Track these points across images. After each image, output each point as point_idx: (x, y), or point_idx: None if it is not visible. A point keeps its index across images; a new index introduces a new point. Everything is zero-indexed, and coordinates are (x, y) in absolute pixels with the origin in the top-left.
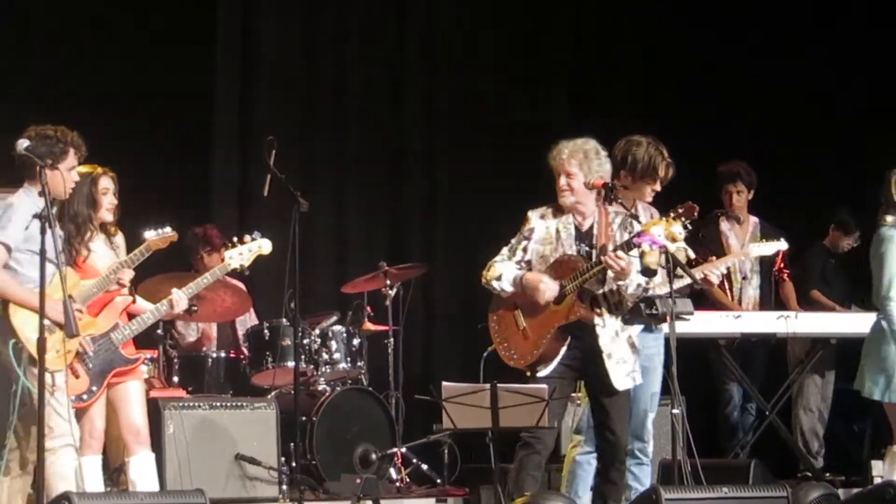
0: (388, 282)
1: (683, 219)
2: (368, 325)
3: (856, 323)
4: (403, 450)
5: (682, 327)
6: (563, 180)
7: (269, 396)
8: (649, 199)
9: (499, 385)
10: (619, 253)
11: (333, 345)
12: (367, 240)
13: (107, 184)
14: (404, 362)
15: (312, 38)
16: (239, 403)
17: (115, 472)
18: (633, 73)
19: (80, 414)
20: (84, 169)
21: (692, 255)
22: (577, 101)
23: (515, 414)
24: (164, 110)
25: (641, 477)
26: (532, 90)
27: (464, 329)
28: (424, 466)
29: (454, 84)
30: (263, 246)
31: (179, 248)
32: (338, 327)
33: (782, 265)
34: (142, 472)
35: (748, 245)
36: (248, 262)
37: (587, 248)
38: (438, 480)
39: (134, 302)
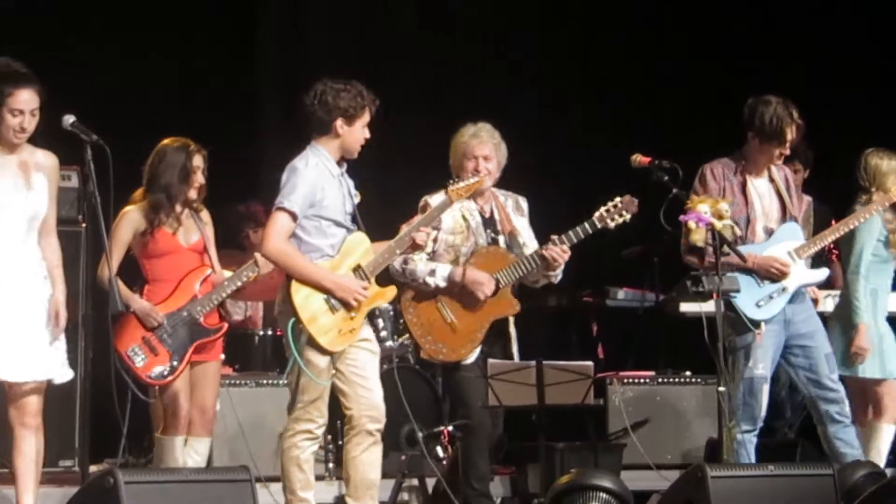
0: None
1: (625, 213)
2: None
3: None
4: (450, 428)
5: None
6: (481, 164)
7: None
8: (778, 162)
9: (544, 363)
10: (565, 247)
11: (380, 322)
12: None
13: (199, 161)
14: None
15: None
16: (286, 381)
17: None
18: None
19: (162, 391)
20: (177, 142)
21: (739, 232)
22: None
23: (561, 391)
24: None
25: (849, 440)
26: None
27: None
28: None
29: None
30: None
31: (226, 227)
32: (384, 305)
33: (832, 246)
34: (198, 454)
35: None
36: None
37: (493, 236)
38: None
39: (214, 272)
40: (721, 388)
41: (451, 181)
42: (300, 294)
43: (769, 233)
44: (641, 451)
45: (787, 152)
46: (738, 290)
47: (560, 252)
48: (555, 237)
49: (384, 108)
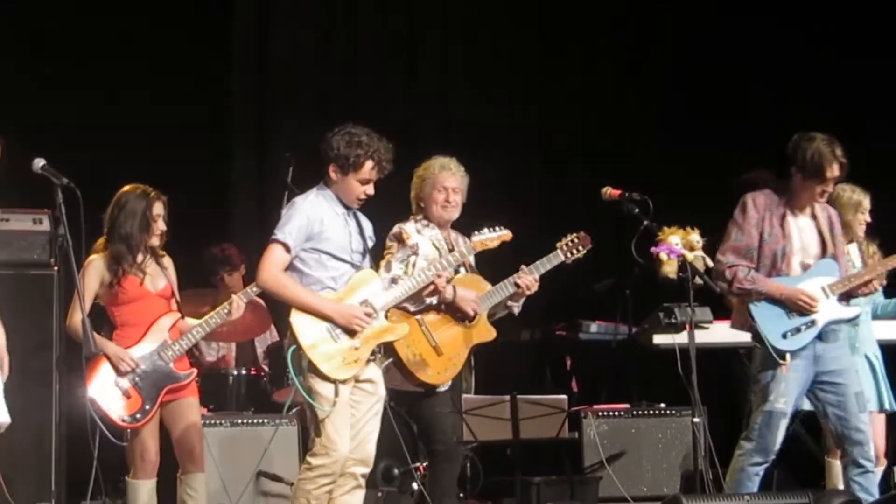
0: None
1: (580, 248)
2: None
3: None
4: (425, 464)
5: (702, 336)
6: (451, 196)
7: (290, 413)
8: (821, 200)
9: (518, 396)
10: (536, 276)
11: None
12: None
13: (159, 209)
14: None
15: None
16: (260, 420)
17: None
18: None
19: (133, 435)
20: (137, 189)
21: (710, 263)
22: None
23: (535, 425)
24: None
25: (868, 486)
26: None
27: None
28: None
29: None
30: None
31: (199, 268)
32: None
33: None
34: (195, 491)
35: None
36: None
37: (456, 266)
38: (461, 494)
39: (182, 318)
40: (696, 420)
41: (478, 231)
42: (300, 321)
43: (805, 267)
44: (617, 484)
45: (830, 189)
46: (710, 322)
47: (532, 280)
48: (524, 267)
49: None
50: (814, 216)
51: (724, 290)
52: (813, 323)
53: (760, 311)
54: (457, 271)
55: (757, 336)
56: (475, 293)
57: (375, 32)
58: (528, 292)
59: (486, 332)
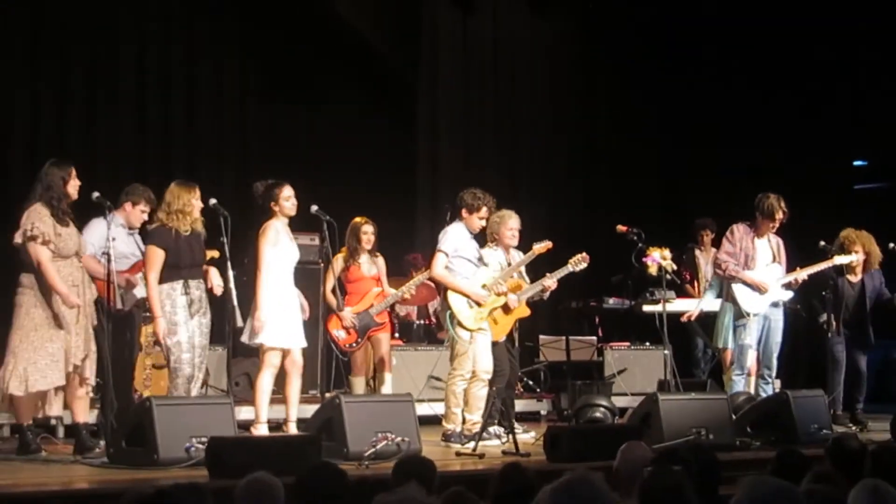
0: None
1: (582, 263)
2: None
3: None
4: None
5: (669, 307)
6: (516, 233)
7: (445, 345)
8: (772, 231)
9: (571, 338)
10: (554, 280)
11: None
12: None
13: (367, 229)
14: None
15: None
16: (430, 348)
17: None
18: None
19: (352, 352)
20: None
21: (674, 267)
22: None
23: (579, 353)
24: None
25: (767, 390)
26: None
27: None
28: (530, 382)
29: None
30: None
31: (398, 266)
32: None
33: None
34: (384, 384)
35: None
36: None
37: (514, 274)
38: (538, 389)
39: (381, 293)
40: (666, 352)
41: (536, 242)
42: (454, 298)
43: (763, 267)
44: (623, 386)
45: (776, 225)
46: (674, 298)
47: (553, 283)
48: (548, 274)
49: None
50: (769, 240)
51: (721, 275)
52: (766, 298)
53: (739, 288)
54: (514, 276)
55: (735, 302)
56: (514, 296)
57: None
58: (549, 290)
59: (524, 312)
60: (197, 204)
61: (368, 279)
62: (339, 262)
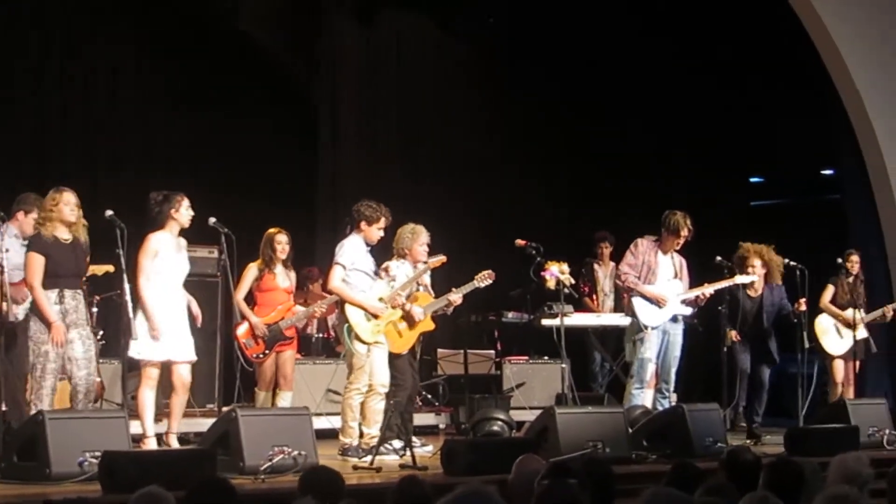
0: None
1: (487, 279)
2: None
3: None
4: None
5: (567, 321)
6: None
7: (343, 357)
8: (677, 248)
9: (469, 351)
10: (460, 295)
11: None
12: None
13: (281, 238)
14: None
15: None
16: (328, 361)
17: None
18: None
19: (259, 364)
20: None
21: (572, 281)
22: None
23: (477, 367)
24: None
25: (664, 404)
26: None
27: None
28: (428, 395)
29: None
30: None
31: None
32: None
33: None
34: (285, 402)
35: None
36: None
37: (417, 286)
38: (437, 403)
39: (292, 306)
40: (563, 366)
41: (431, 256)
42: (351, 311)
43: (665, 282)
44: (521, 400)
45: (682, 242)
46: (572, 312)
47: (458, 298)
48: (454, 289)
49: None
50: (672, 256)
51: (621, 287)
52: (665, 312)
53: (638, 301)
54: (417, 289)
55: (634, 315)
56: (421, 308)
57: None
58: (455, 304)
59: (429, 325)
60: (67, 209)
61: (281, 290)
62: (252, 270)
